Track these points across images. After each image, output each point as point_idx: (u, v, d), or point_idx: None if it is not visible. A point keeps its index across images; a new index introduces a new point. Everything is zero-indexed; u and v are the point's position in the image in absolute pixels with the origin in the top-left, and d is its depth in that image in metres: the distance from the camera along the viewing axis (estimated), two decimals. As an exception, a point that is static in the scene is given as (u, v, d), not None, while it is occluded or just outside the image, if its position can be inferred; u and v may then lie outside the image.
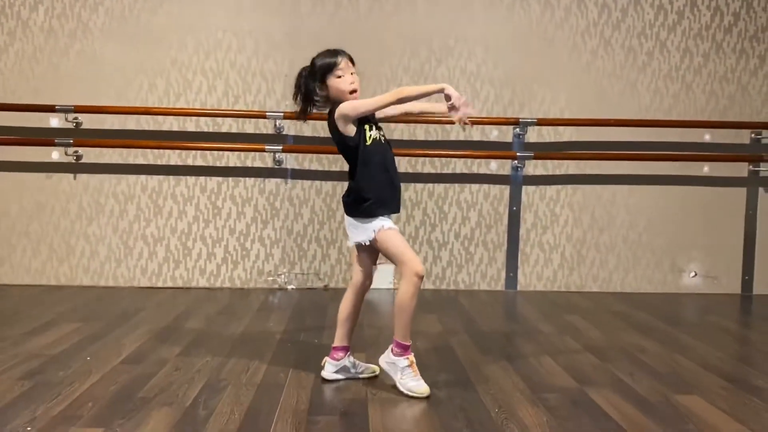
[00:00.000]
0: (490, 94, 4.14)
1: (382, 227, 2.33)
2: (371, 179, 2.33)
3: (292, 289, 4.13)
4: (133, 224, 4.09)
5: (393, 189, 2.39)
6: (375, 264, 2.47)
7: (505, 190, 4.19)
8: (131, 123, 4.04)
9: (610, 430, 2.03)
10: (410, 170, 4.15)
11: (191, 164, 4.08)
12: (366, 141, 2.33)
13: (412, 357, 2.32)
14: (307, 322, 3.32)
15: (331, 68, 2.34)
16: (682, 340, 3.09)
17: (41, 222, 4.07)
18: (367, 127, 2.34)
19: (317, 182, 4.10)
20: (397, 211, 2.45)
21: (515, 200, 4.18)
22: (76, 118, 3.99)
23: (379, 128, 2.40)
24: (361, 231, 2.36)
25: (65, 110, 3.92)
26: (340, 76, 2.33)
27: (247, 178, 4.11)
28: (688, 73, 4.19)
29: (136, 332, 3.04)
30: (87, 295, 3.83)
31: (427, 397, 2.25)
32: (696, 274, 4.26)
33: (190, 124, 4.06)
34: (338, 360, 2.41)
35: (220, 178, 4.10)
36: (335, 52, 2.37)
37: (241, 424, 2.01)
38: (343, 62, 2.34)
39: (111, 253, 4.09)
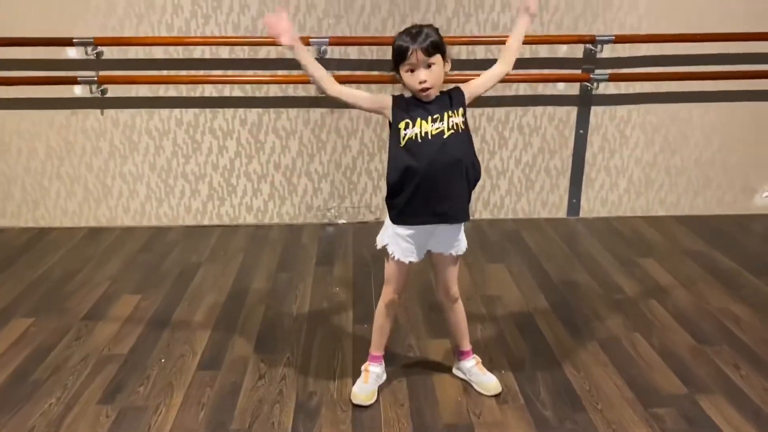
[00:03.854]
0: (560, 4, 3.64)
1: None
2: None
3: (343, 223, 3.93)
4: (171, 161, 3.80)
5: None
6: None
7: (572, 112, 3.83)
8: (158, 52, 3.61)
9: (737, 468, 1.94)
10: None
11: (228, 95, 3.70)
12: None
13: (367, 365, 2.30)
14: (376, 275, 3.14)
15: (402, 57, 1.98)
16: (774, 300, 2.95)
17: (72, 162, 3.78)
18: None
19: (366, 113, 3.74)
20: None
21: (582, 123, 3.84)
22: (95, 49, 3.56)
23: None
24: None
25: (84, 43, 3.48)
26: (410, 71, 1.98)
27: (290, 109, 3.75)
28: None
29: (202, 309, 2.89)
30: (133, 243, 3.65)
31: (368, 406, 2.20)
32: (769, 194, 4.03)
33: (224, 51, 3.63)
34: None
35: (260, 110, 3.74)
36: (410, 36, 1.97)
37: (351, 473, 1.92)
38: (413, 55, 1.95)
39: (151, 192, 3.85)
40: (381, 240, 2.17)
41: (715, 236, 3.69)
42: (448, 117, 2.01)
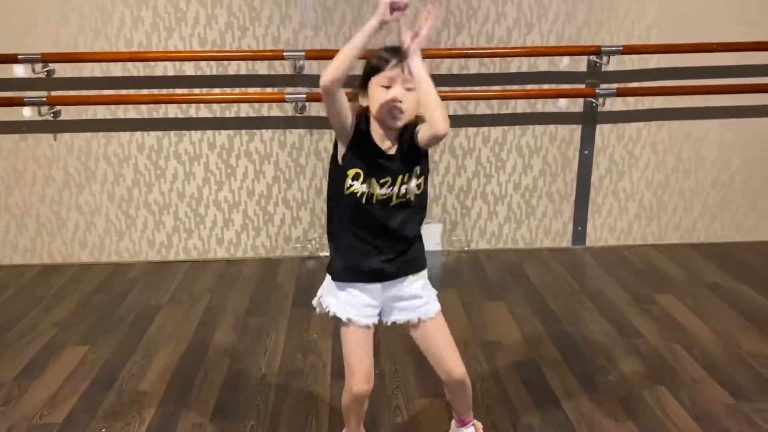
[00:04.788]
0: (560, 12, 3.30)
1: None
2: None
3: (325, 256, 3.55)
4: (132, 190, 3.42)
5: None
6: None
7: (576, 130, 3.47)
8: (116, 69, 3.25)
9: None
10: (460, 111, 3.41)
11: (195, 116, 3.34)
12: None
13: None
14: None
15: (379, 68, 1.61)
16: (814, 344, 2.57)
17: (22, 192, 3.40)
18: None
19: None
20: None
21: (587, 143, 3.48)
22: (46, 67, 3.19)
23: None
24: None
25: (31, 60, 3.12)
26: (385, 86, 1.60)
27: (264, 130, 3.38)
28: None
29: (155, 364, 2.49)
30: (89, 282, 3.26)
31: None
32: (792, 218, 3.67)
33: (189, 67, 3.27)
34: None
35: (231, 132, 3.37)
36: (395, 51, 1.61)
37: None
38: (395, 68, 1.58)
39: (110, 224, 3.46)
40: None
41: (737, 266, 3.33)
42: (402, 182, 1.64)
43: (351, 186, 1.62)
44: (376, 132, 1.64)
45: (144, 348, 2.63)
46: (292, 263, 3.48)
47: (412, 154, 1.65)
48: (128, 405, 2.24)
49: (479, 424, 1.97)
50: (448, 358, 1.79)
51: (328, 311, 1.73)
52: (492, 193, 3.54)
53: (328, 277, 1.75)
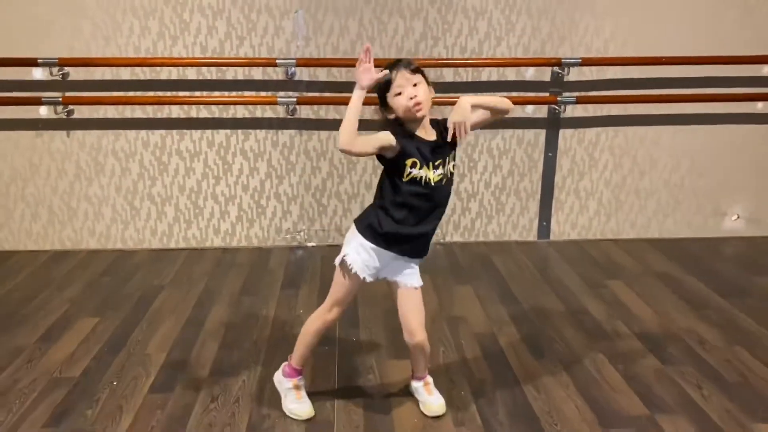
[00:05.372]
0: (526, 28, 3.67)
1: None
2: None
3: (313, 246, 3.89)
4: (138, 183, 3.76)
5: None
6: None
7: (541, 134, 3.83)
8: (125, 73, 3.59)
9: (695, 490, 1.89)
10: (438, 115, 3.75)
11: (195, 117, 3.68)
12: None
13: (297, 381, 2.26)
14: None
15: (388, 83, 1.99)
16: (740, 322, 2.91)
17: (37, 184, 3.73)
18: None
19: (335, 132, 3.71)
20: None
21: (551, 146, 3.84)
22: (61, 70, 3.53)
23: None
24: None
25: (49, 64, 3.46)
26: (399, 93, 1.98)
27: (258, 131, 3.73)
28: (749, -4, 3.70)
29: (159, 332, 2.83)
30: (96, 266, 3.59)
31: (309, 419, 2.20)
32: (738, 217, 4.03)
33: (191, 72, 3.61)
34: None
35: (228, 131, 3.72)
36: (391, 65, 2.00)
37: (299, 498, 1.86)
38: (399, 76, 1.97)
39: (117, 214, 3.80)
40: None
41: (685, 259, 3.68)
42: (447, 163, 2.05)
43: (410, 173, 1.99)
44: (419, 130, 2.02)
45: (148, 320, 2.95)
46: (282, 252, 3.82)
47: (448, 142, 2.03)
48: (136, 364, 2.57)
49: (429, 378, 2.30)
50: (414, 323, 2.14)
51: (351, 268, 2.09)
52: (465, 190, 3.89)
53: (357, 241, 2.08)
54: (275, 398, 2.31)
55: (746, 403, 2.30)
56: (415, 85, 1.97)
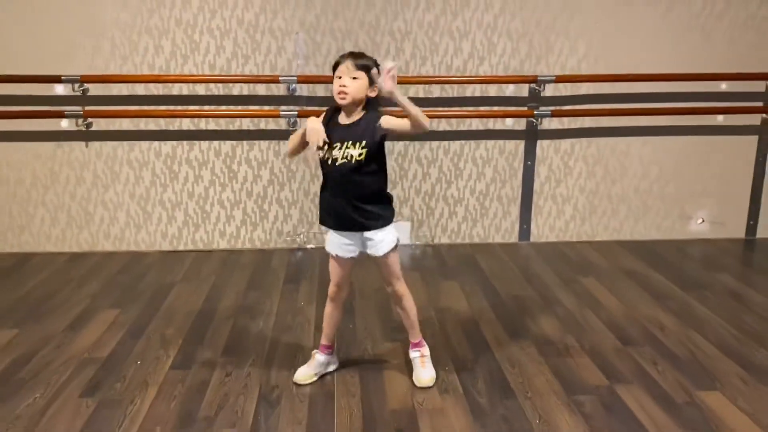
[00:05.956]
0: (506, 48, 4.04)
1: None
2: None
3: (312, 248, 4.22)
4: (150, 190, 4.08)
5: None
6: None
7: (520, 145, 4.19)
8: (140, 89, 3.93)
9: (643, 441, 2.21)
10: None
11: (204, 129, 4.02)
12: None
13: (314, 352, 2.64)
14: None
15: (335, 67, 2.37)
16: (696, 311, 3.25)
17: (56, 191, 4.05)
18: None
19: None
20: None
21: (530, 155, 4.20)
22: (82, 86, 3.87)
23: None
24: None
25: (71, 80, 3.79)
26: (339, 77, 2.33)
27: (261, 141, 4.07)
28: (708, 20, 4.08)
29: (175, 321, 3.14)
30: (112, 266, 3.90)
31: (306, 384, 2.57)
32: (703, 221, 4.38)
33: (200, 88, 3.95)
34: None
35: (234, 142, 4.06)
36: (347, 53, 2.37)
37: (305, 450, 2.17)
38: (343, 65, 2.32)
39: (130, 219, 4.12)
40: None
41: (653, 258, 4.02)
42: (345, 147, 2.33)
43: (323, 153, 2.35)
44: (341, 116, 2.38)
45: (164, 311, 3.26)
46: (283, 254, 4.14)
47: (367, 132, 2.32)
48: (156, 347, 2.88)
49: (426, 351, 2.62)
50: (388, 278, 2.52)
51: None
52: (452, 196, 4.23)
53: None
54: (282, 372, 2.63)
55: (694, 375, 2.63)
56: (354, 78, 2.30)
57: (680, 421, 2.31)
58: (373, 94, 2.34)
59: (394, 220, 2.49)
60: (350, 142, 2.32)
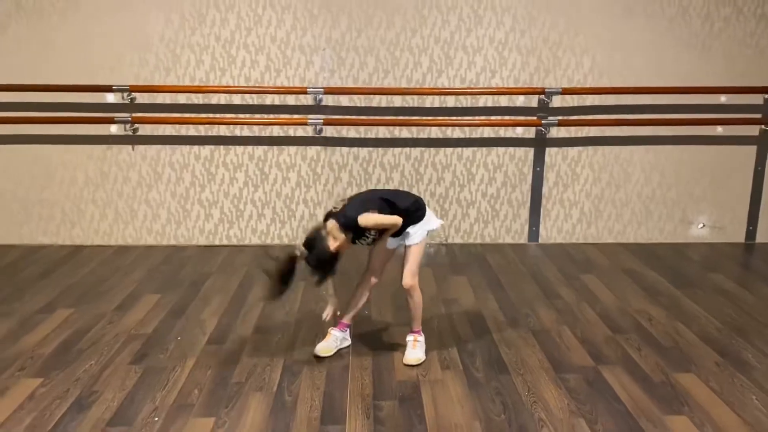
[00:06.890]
0: (517, 62, 4.36)
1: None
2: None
3: (335, 245, 4.57)
4: (189, 190, 4.49)
5: None
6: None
7: (530, 152, 4.50)
8: (182, 98, 4.34)
9: (618, 413, 2.50)
10: (440, 135, 4.46)
11: (239, 135, 4.42)
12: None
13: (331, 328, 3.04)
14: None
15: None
16: (685, 306, 3.53)
17: (105, 189, 4.48)
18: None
19: (354, 149, 4.44)
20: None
21: (539, 161, 4.51)
22: (130, 95, 4.30)
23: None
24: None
25: (121, 90, 4.22)
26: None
27: (290, 147, 4.45)
28: (708, 38, 4.35)
29: (211, 305, 3.52)
30: (154, 258, 4.30)
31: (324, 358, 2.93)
32: (704, 225, 4.63)
33: (236, 98, 4.35)
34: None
35: (265, 147, 4.44)
36: None
37: (322, 410, 2.51)
38: None
39: (171, 216, 4.53)
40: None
41: (652, 259, 4.30)
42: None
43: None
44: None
45: (201, 296, 3.65)
46: (309, 250, 4.49)
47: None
48: (194, 326, 3.26)
49: (421, 337, 2.95)
50: (407, 271, 2.86)
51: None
52: (465, 199, 4.56)
53: None
54: (305, 348, 2.99)
55: (674, 360, 2.92)
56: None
57: (654, 397, 2.61)
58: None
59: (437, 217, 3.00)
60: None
